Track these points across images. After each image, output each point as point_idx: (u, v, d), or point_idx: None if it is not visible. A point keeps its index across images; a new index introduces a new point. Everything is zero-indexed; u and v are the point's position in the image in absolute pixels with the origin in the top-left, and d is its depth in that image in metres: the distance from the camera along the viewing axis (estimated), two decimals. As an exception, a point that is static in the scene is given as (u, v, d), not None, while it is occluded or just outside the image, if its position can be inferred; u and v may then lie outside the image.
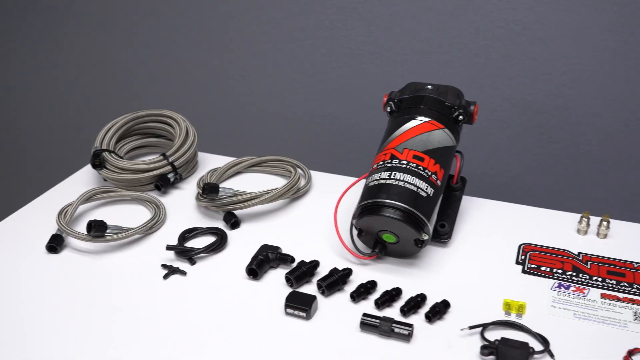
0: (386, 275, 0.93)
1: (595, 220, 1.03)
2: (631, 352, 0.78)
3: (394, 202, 0.90)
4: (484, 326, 0.82)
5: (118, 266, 0.96)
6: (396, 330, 0.81)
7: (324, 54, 1.60)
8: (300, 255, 0.95)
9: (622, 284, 0.91)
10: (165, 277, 0.93)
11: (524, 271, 0.94)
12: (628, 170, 1.46)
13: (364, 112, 1.60)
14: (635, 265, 0.95)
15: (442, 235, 0.99)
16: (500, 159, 1.57)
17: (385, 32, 1.52)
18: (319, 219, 1.06)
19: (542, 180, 1.55)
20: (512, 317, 0.84)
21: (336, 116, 1.67)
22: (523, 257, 0.97)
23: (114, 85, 1.90)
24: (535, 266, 0.95)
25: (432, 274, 0.94)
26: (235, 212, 1.06)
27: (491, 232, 1.03)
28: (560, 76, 1.43)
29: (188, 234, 1.02)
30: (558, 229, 1.04)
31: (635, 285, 0.90)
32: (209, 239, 1.01)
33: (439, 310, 0.85)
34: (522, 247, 0.99)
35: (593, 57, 1.38)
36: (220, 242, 0.99)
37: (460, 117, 0.99)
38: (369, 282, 0.90)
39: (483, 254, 0.98)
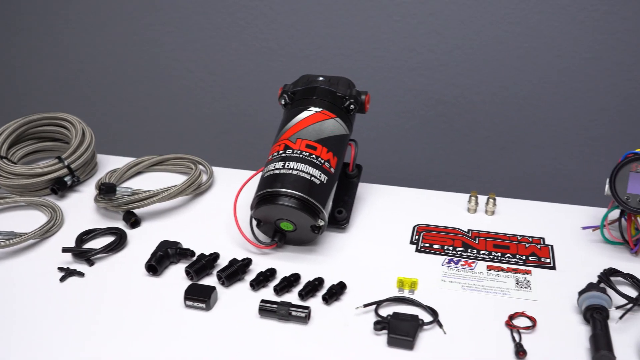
0: (286, 262, 0.95)
1: (483, 198, 1.09)
2: (512, 317, 0.83)
3: (288, 190, 0.92)
4: (378, 303, 0.86)
5: (12, 272, 0.93)
6: (293, 313, 0.83)
7: (229, 52, 1.61)
8: (202, 249, 0.96)
9: (506, 256, 0.97)
10: (62, 279, 0.92)
11: (417, 250, 0.99)
12: (521, 152, 1.55)
13: (270, 108, 1.62)
14: (519, 238, 1.01)
15: (340, 221, 1.02)
16: (407, 148, 1.63)
17: (288, 28, 1.54)
18: (220, 213, 1.06)
19: (446, 166, 1.62)
20: (405, 293, 0.88)
21: (244, 113, 1.68)
22: (417, 237, 1.01)
23: (4, 88, 1.83)
24: (428, 245, 1.00)
25: (330, 259, 0.97)
26: (135, 211, 1.05)
27: (388, 215, 1.07)
28: (456, 66, 1.50)
29: (86, 235, 1.00)
30: (451, 209, 1.09)
31: (518, 256, 0.97)
32: (108, 240, 1.00)
33: (336, 292, 0.88)
34: (416, 227, 1.04)
35: (484, 47, 1.45)
36: (119, 242, 0.98)
37: (352, 106, 1.03)
38: (268, 270, 0.92)
39: (379, 236, 1.02)
